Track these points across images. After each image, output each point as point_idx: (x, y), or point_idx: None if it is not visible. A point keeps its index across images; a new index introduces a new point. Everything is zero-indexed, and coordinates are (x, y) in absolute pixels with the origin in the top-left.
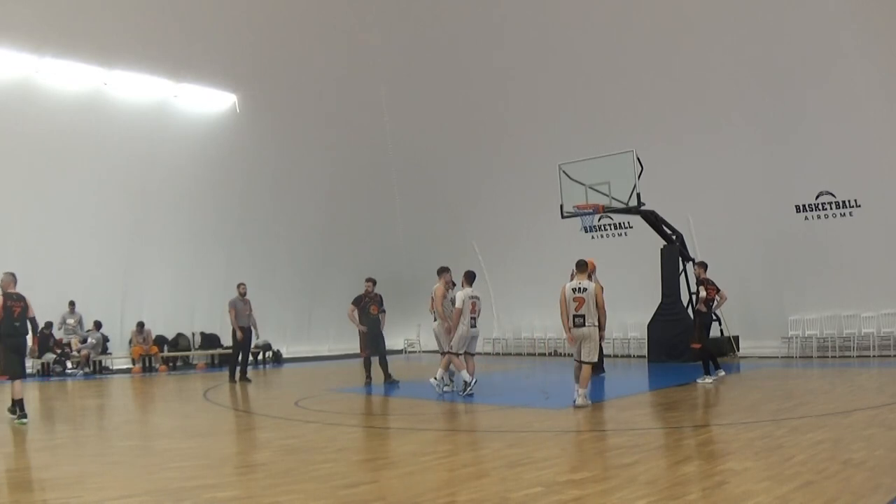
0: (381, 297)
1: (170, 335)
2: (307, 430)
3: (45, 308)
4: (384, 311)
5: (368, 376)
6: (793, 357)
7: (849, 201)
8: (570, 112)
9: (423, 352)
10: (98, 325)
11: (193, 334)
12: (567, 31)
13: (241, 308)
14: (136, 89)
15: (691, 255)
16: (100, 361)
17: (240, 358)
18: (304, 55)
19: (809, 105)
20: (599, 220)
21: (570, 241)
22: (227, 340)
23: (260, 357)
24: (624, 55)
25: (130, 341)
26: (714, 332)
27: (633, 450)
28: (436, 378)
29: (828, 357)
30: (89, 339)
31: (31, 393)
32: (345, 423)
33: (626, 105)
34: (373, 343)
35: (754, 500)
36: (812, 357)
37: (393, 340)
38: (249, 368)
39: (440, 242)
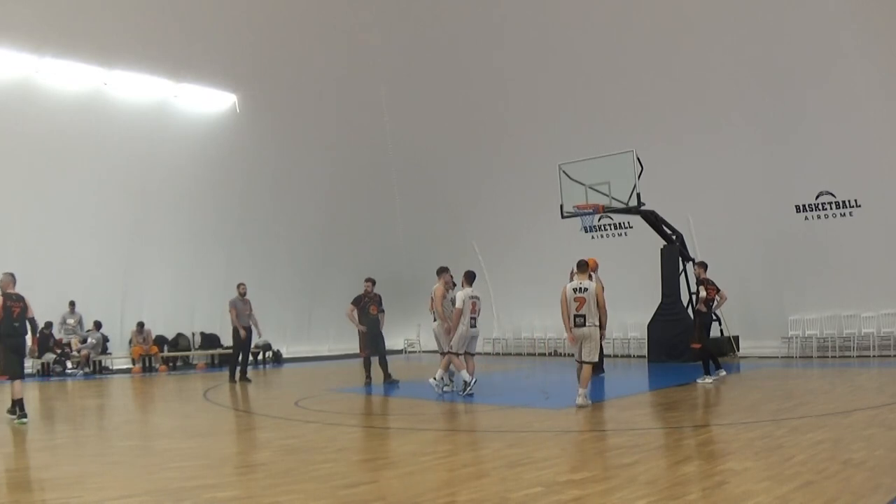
0: (380, 296)
1: (170, 335)
2: (307, 430)
3: (45, 308)
4: (383, 311)
5: (368, 376)
6: (793, 357)
7: (849, 201)
8: (570, 112)
9: (423, 352)
10: (98, 325)
11: (193, 334)
12: (567, 31)
13: (241, 308)
14: (136, 89)
15: (691, 255)
16: (100, 361)
17: (240, 358)
18: (304, 55)
19: (809, 105)
20: (599, 220)
21: (570, 241)
22: (227, 340)
23: (260, 357)
24: (624, 55)
25: (130, 341)
26: (714, 332)
27: (633, 450)
28: (435, 378)
29: (828, 357)
30: (89, 339)
31: (31, 393)
32: (345, 423)
33: (626, 105)
34: (372, 343)
35: (754, 500)
36: (812, 357)
37: (393, 340)
38: (249, 368)
39: (440, 242)
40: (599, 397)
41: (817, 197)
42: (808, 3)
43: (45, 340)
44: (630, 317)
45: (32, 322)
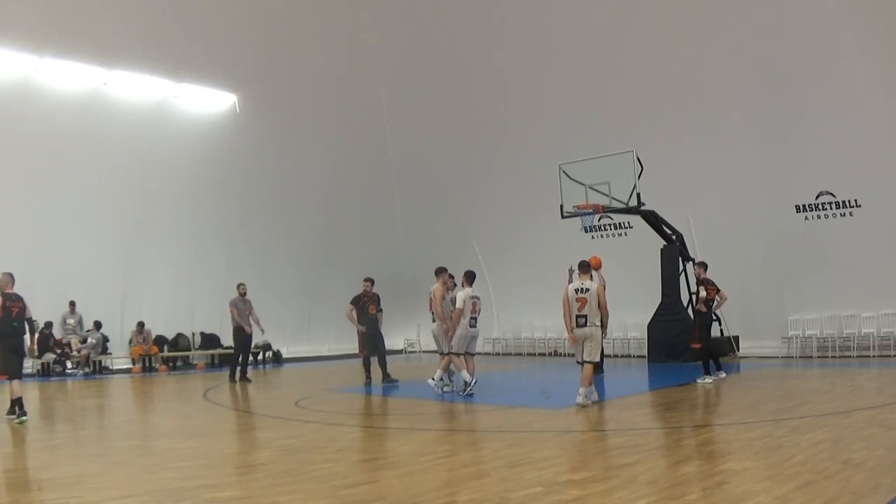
0: (378, 296)
1: (170, 335)
2: (307, 430)
3: (45, 308)
4: (381, 311)
5: (368, 376)
6: (793, 357)
7: (849, 201)
8: (570, 112)
9: (423, 352)
10: (98, 325)
11: (193, 334)
12: (567, 31)
13: (241, 308)
14: (136, 89)
15: (691, 255)
16: (100, 361)
17: (240, 358)
18: (304, 55)
19: (809, 105)
20: (599, 220)
21: (570, 241)
22: (227, 340)
23: (260, 357)
24: (624, 55)
25: (130, 341)
26: (714, 332)
27: (633, 450)
28: (434, 379)
29: (828, 357)
30: (89, 339)
31: (30, 393)
32: (345, 423)
33: (626, 105)
34: (372, 342)
35: (754, 500)
36: (812, 357)
37: (393, 340)
38: (249, 368)
39: (440, 242)
40: (599, 397)
41: (817, 197)
42: (808, 3)
43: (46, 340)
44: (630, 317)
45: (30, 322)
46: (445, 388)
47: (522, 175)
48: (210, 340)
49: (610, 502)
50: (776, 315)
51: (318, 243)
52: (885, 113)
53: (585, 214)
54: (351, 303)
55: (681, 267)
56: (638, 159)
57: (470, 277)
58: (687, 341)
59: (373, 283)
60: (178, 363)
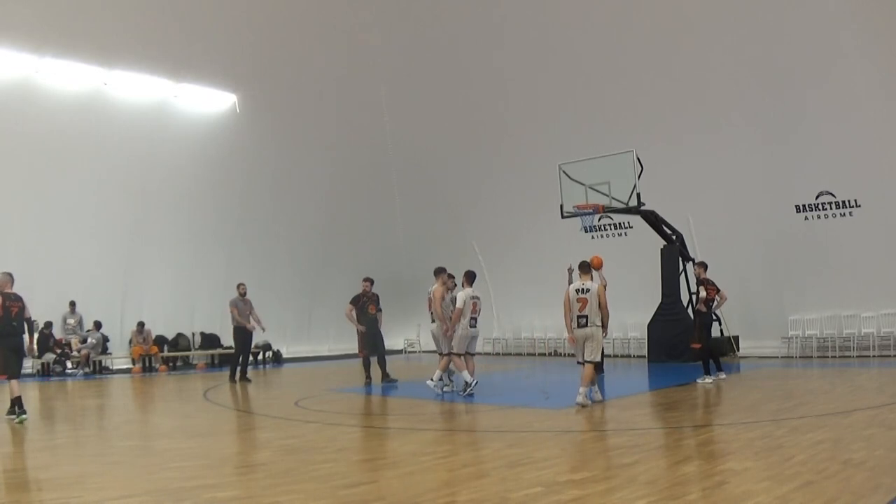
0: (377, 296)
1: (170, 335)
2: (307, 430)
3: (45, 308)
4: (381, 311)
5: (368, 376)
6: (793, 357)
7: (849, 201)
8: (570, 112)
9: (423, 352)
10: (98, 325)
11: (193, 334)
12: (567, 31)
13: (241, 308)
14: (136, 89)
15: (691, 255)
16: (100, 361)
17: (240, 358)
18: (304, 55)
19: (809, 105)
20: (599, 220)
21: (570, 241)
22: (227, 340)
23: (260, 357)
24: (624, 55)
25: (130, 341)
26: (714, 332)
27: (633, 450)
28: (432, 380)
29: (828, 357)
30: (89, 339)
31: (31, 393)
32: (345, 423)
33: (626, 105)
34: (372, 342)
35: (754, 500)
36: (812, 357)
37: (393, 340)
38: (249, 368)
39: (440, 242)
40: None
41: (817, 197)
42: (808, 3)
43: (46, 340)
44: (630, 317)
45: (29, 322)
46: (445, 389)
47: (522, 175)
48: (210, 340)
49: (610, 502)
50: (776, 315)
51: (318, 243)
52: (885, 113)
53: (585, 214)
54: (350, 303)
55: (681, 267)
56: (638, 159)
57: (470, 277)
58: (687, 341)
59: (372, 282)
60: (178, 363)
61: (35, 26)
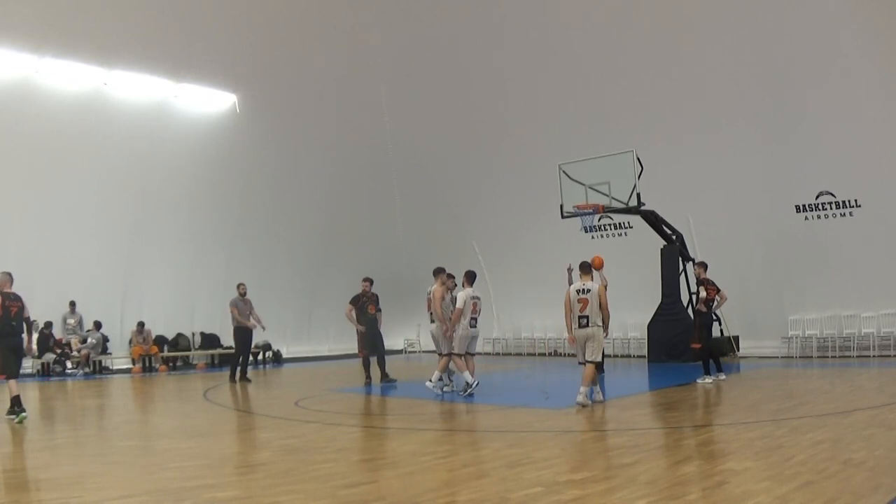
0: (377, 296)
1: (170, 335)
2: (307, 430)
3: (45, 308)
4: (380, 311)
5: (368, 376)
6: (793, 357)
7: (849, 201)
8: (570, 112)
9: (423, 352)
10: (98, 325)
11: (193, 334)
12: (567, 31)
13: (241, 308)
14: (136, 89)
15: (691, 255)
16: (100, 361)
17: (240, 358)
18: (304, 55)
19: (809, 105)
20: (599, 220)
21: (570, 241)
22: (227, 340)
23: (260, 357)
24: (624, 55)
25: (130, 341)
26: (714, 332)
27: (633, 450)
28: (431, 381)
29: (828, 357)
30: (89, 339)
31: (30, 393)
32: (345, 423)
33: (626, 105)
34: (371, 342)
35: (754, 500)
36: (812, 357)
37: (393, 340)
38: (249, 368)
39: (440, 242)
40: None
41: (817, 197)
42: (808, 3)
43: (46, 340)
44: (630, 317)
45: (29, 322)
46: (445, 389)
47: (522, 175)
48: (210, 340)
49: (610, 502)
50: (776, 315)
51: (318, 243)
52: (885, 113)
53: (585, 214)
54: (350, 303)
55: (681, 267)
56: (638, 159)
57: (470, 277)
58: (687, 341)
59: (372, 282)
60: (178, 363)
61: (35, 26)
